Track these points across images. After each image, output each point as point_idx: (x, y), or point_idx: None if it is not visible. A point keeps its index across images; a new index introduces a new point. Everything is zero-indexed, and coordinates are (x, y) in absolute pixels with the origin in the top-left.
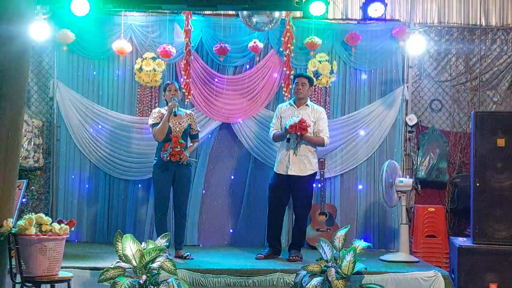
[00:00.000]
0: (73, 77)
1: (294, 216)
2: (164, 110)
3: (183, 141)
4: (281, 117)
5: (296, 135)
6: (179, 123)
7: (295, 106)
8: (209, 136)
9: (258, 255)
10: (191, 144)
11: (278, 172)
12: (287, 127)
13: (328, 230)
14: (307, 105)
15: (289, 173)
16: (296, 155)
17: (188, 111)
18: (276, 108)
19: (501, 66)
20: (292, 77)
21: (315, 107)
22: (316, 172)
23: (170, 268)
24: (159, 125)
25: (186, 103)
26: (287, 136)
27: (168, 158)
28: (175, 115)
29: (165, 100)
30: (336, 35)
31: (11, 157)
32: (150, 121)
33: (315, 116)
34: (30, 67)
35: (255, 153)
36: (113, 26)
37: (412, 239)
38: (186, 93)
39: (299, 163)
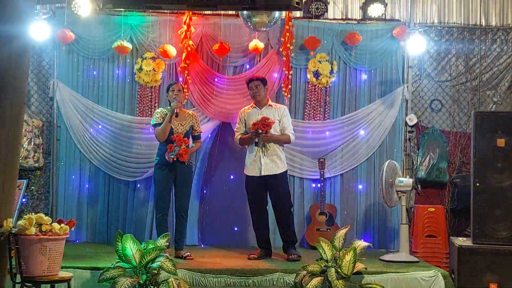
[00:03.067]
0: (73, 77)
1: (276, 215)
2: (166, 110)
3: (186, 138)
4: (245, 120)
5: (260, 132)
6: (181, 124)
7: (258, 108)
8: (209, 135)
9: (250, 255)
10: (193, 145)
11: (251, 175)
12: (250, 126)
13: (328, 230)
14: (269, 105)
15: (263, 174)
16: (266, 155)
17: (191, 112)
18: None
19: (501, 66)
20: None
21: (277, 105)
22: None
23: (170, 268)
24: (161, 126)
25: (184, 102)
26: (256, 140)
27: (175, 159)
28: (176, 116)
29: (168, 100)
30: (336, 35)
31: (11, 157)
32: (153, 121)
33: (279, 114)
34: (30, 67)
35: None
36: (113, 26)
37: (412, 239)
38: (186, 93)
39: (271, 162)
